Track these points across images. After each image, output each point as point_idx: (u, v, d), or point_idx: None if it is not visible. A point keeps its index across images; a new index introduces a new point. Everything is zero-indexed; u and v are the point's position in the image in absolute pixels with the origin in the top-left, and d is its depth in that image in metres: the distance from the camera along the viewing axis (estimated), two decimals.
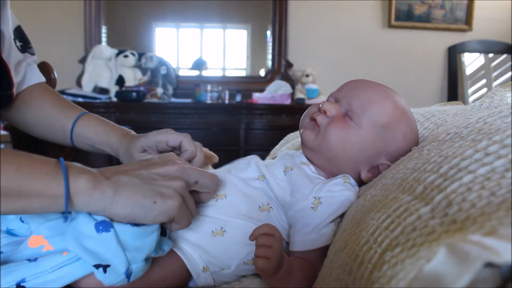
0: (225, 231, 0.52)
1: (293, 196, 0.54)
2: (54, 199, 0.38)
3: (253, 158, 0.62)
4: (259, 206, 0.55)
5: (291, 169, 0.57)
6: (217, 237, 0.52)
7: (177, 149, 0.62)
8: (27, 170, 0.37)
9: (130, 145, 0.63)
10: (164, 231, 0.48)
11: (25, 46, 0.72)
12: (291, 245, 0.53)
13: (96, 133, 0.69)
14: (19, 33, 0.70)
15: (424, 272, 0.21)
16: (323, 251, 0.52)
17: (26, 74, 0.71)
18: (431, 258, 0.21)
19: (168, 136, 0.61)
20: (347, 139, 0.55)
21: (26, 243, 0.42)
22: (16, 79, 0.68)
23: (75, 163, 0.41)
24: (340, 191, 0.53)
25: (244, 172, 0.59)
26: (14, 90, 0.68)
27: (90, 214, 0.41)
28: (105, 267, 0.40)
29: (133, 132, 0.69)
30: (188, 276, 0.52)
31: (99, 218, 0.41)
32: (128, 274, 0.41)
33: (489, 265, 0.18)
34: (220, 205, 0.54)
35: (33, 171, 0.37)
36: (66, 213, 0.41)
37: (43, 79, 0.76)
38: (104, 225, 0.40)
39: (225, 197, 0.55)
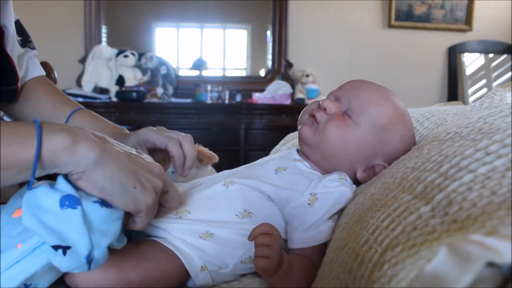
0: (212, 233, 0.52)
1: (288, 193, 0.54)
2: (29, 163, 0.34)
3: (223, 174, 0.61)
4: (236, 215, 0.54)
5: (284, 169, 0.57)
6: (207, 239, 0.52)
7: (164, 151, 0.61)
8: None
9: (121, 143, 0.63)
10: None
11: (25, 40, 0.72)
12: (289, 242, 0.53)
13: (90, 125, 0.68)
14: (18, 27, 0.70)
15: (425, 272, 0.21)
16: (322, 247, 0.52)
17: (28, 68, 0.72)
18: (431, 257, 0.21)
19: (155, 137, 0.60)
20: (345, 137, 0.55)
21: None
22: (20, 73, 0.68)
23: (54, 122, 0.38)
24: (336, 187, 0.53)
25: (209, 188, 0.58)
26: (19, 84, 0.68)
27: (51, 186, 0.37)
28: (65, 249, 0.35)
29: (126, 131, 0.68)
30: (186, 275, 0.52)
31: (65, 189, 0.36)
32: (89, 260, 0.36)
33: (489, 264, 0.18)
34: (187, 220, 0.54)
35: (5, 135, 0.34)
36: (32, 176, 0.35)
37: (43, 73, 0.76)
38: (71, 201, 0.35)
39: (189, 213, 0.54)
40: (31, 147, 0.34)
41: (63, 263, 0.35)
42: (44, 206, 0.35)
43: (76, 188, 0.38)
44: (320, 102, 0.58)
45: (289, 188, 0.54)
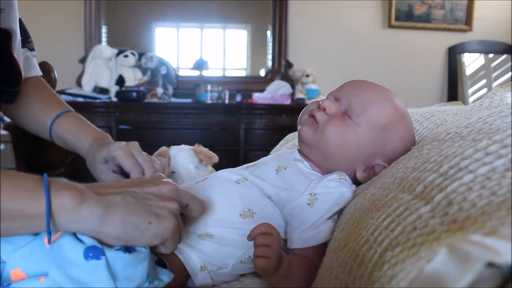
0: (212, 234, 0.52)
1: (288, 193, 0.54)
2: (34, 219, 0.34)
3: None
4: (240, 214, 0.54)
5: (284, 168, 0.57)
6: (206, 240, 0.52)
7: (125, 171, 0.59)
8: (4, 189, 0.33)
9: (95, 154, 0.62)
10: (163, 262, 0.45)
11: (24, 40, 0.72)
12: (289, 242, 0.53)
13: (69, 134, 0.69)
14: (20, 27, 0.71)
15: (425, 272, 0.21)
16: (321, 247, 0.52)
17: (24, 68, 0.72)
18: (431, 258, 0.21)
19: (122, 159, 0.57)
20: (344, 137, 0.55)
21: (8, 277, 0.37)
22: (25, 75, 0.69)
23: (61, 179, 0.38)
24: (335, 187, 0.53)
25: (221, 184, 0.57)
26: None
27: (75, 236, 0.37)
28: None
29: (109, 138, 0.67)
30: (186, 275, 0.52)
31: (88, 242, 0.36)
32: None
33: (489, 265, 0.18)
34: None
35: (11, 189, 0.34)
36: (48, 234, 0.36)
37: (39, 73, 0.76)
38: (95, 252, 0.36)
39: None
40: (37, 204, 0.34)
41: None
42: (70, 258, 0.36)
43: None
44: (320, 102, 0.58)
45: (289, 188, 0.54)
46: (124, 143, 0.60)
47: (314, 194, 0.53)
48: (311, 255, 0.52)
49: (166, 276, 0.43)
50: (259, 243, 0.45)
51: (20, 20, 0.71)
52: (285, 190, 0.54)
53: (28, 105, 0.72)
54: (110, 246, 0.38)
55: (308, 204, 0.52)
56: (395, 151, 0.55)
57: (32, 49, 0.75)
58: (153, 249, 0.42)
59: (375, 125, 0.55)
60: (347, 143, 0.55)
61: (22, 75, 0.66)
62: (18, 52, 0.66)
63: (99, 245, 0.36)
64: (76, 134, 0.68)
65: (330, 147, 0.55)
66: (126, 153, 0.58)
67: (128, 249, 0.38)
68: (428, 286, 0.20)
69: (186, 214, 0.46)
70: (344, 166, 0.57)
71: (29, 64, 0.73)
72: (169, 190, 0.43)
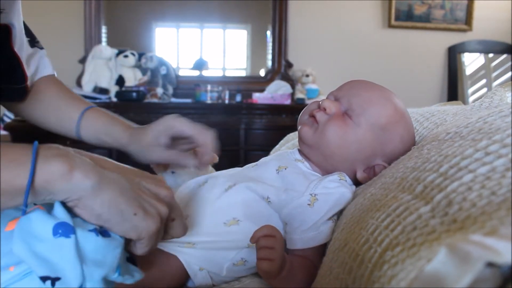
0: (194, 243, 0.52)
1: (288, 194, 0.54)
2: (22, 190, 0.32)
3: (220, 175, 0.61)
4: (224, 223, 0.53)
5: (285, 169, 0.57)
6: (188, 248, 0.52)
7: (187, 140, 0.61)
8: None
9: (143, 136, 0.62)
10: (134, 260, 0.42)
11: (32, 40, 0.72)
12: (289, 243, 0.53)
13: (103, 125, 0.68)
14: (25, 28, 0.70)
15: (425, 272, 0.21)
16: (321, 248, 0.52)
17: (38, 67, 0.72)
18: (431, 258, 0.21)
19: (182, 125, 0.60)
20: (345, 137, 0.55)
21: None
22: (28, 72, 0.68)
23: (53, 145, 0.36)
24: (335, 188, 0.53)
25: (210, 191, 0.57)
26: (29, 83, 0.68)
27: (48, 212, 0.35)
28: (54, 280, 0.33)
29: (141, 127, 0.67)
30: (185, 276, 0.52)
31: (61, 217, 0.34)
32: None
33: (489, 264, 0.18)
34: None
35: None
36: (24, 205, 0.34)
37: (54, 72, 0.76)
38: (64, 229, 0.33)
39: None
40: (24, 174, 0.32)
41: None
42: (37, 232, 0.33)
43: (74, 215, 0.36)
44: (320, 102, 0.58)
45: (290, 188, 0.54)
46: (176, 115, 0.62)
47: (315, 194, 0.52)
48: (311, 255, 0.52)
49: (137, 274, 0.41)
50: (262, 246, 0.45)
51: (23, 22, 0.71)
52: (286, 191, 0.54)
53: (52, 102, 0.71)
54: (84, 226, 0.36)
55: (309, 204, 0.52)
56: (395, 151, 0.55)
57: (41, 48, 0.74)
58: (128, 245, 0.40)
59: (375, 125, 0.55)
60: (347, 143, 0.55)
61: (26, 72, 0.66)
62: (21, 49, 0.66)
63: (71, 222, 0.34)
64: (112, 123, 0.68)
65: (330, 147, 0.55)
66: (183, 119, 0.60)
67: (102, 233, 0.36)
68: (428, 286, 0.20)
69: (167, 229, 0.44)
70: (344, 166, 0.57)
71: (44, 63, 0.73)
72: (166, 195, 0.42)
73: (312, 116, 0.58)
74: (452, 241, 0.20)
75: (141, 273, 0.41)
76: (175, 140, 0.62)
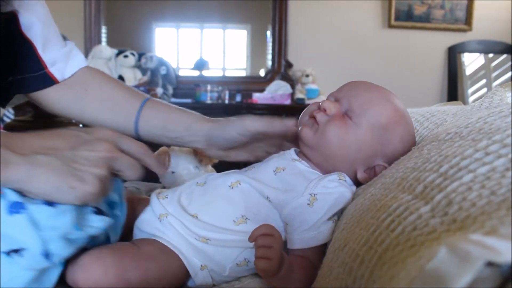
0: (208, 238, 0.52)
1: (288, 195, 0.54)
2: None
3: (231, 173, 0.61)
4: (234, 221, 0.54)
5: (283, 170, 0.57)
6: (203, 243, 0.52)
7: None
8: None
9: (223, 127, 0.62)
10: (100, 211, 0.46)
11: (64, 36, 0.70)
12: (289, 243, 0.53)
13: (169, 113, 0.65)
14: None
15: (425, 271, 0.21)
16: (321, 248, 0.52)
17: (75, 57, 0.69)
18: (431, 257, 0.21)
19: (262, 125, 0.61)
20: (345, 138, 0.55)
21: None
22: (64, 62, 0.66)
23: None
24: (335, 188, 0.53)
25: (213, 189, 0.58)
26: (53, 70, 0.65)
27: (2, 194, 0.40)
28: (19, 251, 0.38)
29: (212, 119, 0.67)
30: (186, 275, 0.52)
31: (11, 198, 0.39)
32: (46, 254, 0.39)
33: (489, 264, 0.18)
34: (195, 219, 0.54)
35: None
36: None
37: (86, 63, 0.72)
38: (16, 206, 0.38)
39: (197, 217, 0.54)
40: None
41: (24, 264, 0.38)
42: None
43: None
44: (320, 103, 0.58)
45: (289, 189, 0.54)
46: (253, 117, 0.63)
47: (314, 194, 0.53)
48: (311, 256, 0.52)
49: (100, 222, 0.44)
50: (261, 244, 0.45)
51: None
52: (285, 192, 0.54)
53: (103, 91, 0.67)
54: (35, 200, 0.40)
55: (308, 204, 0.52)
56: (396, 151, 0.55)
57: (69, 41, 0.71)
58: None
59: (375, 126, 0.55)
60: (348, 143, 0.55)
61: (42, 58, 0.63)
62: (35, 31, 0.62)
63: (20, 200, 0.39)
64: (180, 112, 0.67)
65: (331, 148, 0.56)
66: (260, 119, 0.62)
67: (51, 203, 0.40)
68: (428, 285, 0.20)
69: (119, 174, 0.46)
70: (345, 166, 0.57)
71: (76, 54, 0.70)
72: (101, 156, 0.43)
73: (312, 117, 0.58)
74: (452, 240, 0.20)
75: (106, 220, 0.45)
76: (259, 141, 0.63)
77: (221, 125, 0.63)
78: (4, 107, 0.67)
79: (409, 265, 0.26)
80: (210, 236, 0.52)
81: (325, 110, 0.57)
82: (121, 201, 0.51)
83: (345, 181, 0.55)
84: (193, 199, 0.57)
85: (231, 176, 0.58)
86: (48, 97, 0.67)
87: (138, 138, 0.66)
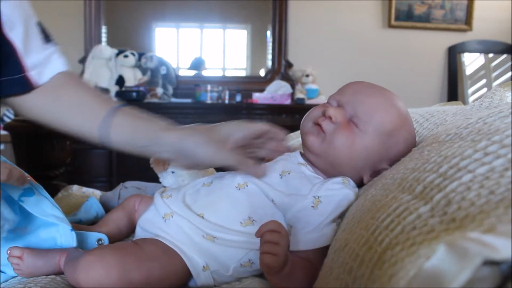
0: (215, 237, 0.52)
1: (292, 197, 0.54)
2: None
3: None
4: (240, 222, 0.53)
5: (288, 173, 0.57)
6: (210, 241, 0.52)
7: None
8: None
9: (214, 131, 0.59)
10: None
11: (47, 37, 0.69)
12: (292, 244, 0.53)
13: (138, 121, 0.63)
14: (40, 27, 0.67)
15: (424, 269, 0.21)
16: (323, 251, 0.52)
17: (52, 62, 0.67)
18: (430, 255, 0.21)
19: (245, 131, 0.59)
20: (353, 147, 0.55)
21: None
22: (39, 67, 0.64)
23: None
24: (339, 189, 0.53)
25: (220, 189, 0.57)
26: (32, 75, 0.63)
27: None
28: None
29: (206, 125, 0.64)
30: (188, 275, 0.52)
31: None
32: None
33: (488, 263, 0.18)
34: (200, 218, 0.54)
35: None
36: None
37: (65, 68, 0.69)
38: None
39: (203, 217, 0.54)
40: None
41: None
42: None
43: None
44: (324, 110, 0.57)
45: (293, 193, 0.54)
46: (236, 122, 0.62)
47: (318, 196, 0.53)
48: (313, 257, 0.52)
49: (11, 214, 0.48)
50: (267, 240, 0.45)
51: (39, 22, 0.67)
52: (289, 195, 0.54)
53: (77, 95, 0.65)
54: None
55: (312, 206, 0.52)
56: (399, 154, 0.55)
57: (54, 44, 0.70)
58: None
59: (381, 132, 0.55)
60: (356, 152, 0.55)
61: (22, 62, 0.61)
62: (17, 33, 0.61)
63: None
64: (154, 122, 0.65)
65: (340, 157, 0.56)
66: (257, 124, 0.61)
67: None
68: (427, 283, 0.20)
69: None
70: (351, 173, 0.57)
71: (60, 58, 0.68)
72: None
73: (317, 124, 0.57)
74: (451, 239, 0.20)
75: (16, 216, 0.49)
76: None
77: (192, 142, 0.58)
78: None
79: (408, 264, 0.26)
80: (217, 235, 0.52)
81: (330, 118, 0.56)
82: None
83: (349, 183, 0.55)
84: (198, 198, 0.57)
85: (238, 177, 0.57)
86: (24, 103, 0.65)
87: (104, 145, 0.64)
